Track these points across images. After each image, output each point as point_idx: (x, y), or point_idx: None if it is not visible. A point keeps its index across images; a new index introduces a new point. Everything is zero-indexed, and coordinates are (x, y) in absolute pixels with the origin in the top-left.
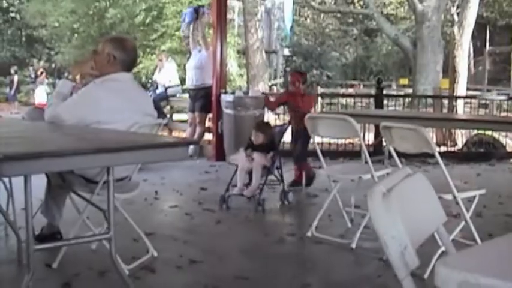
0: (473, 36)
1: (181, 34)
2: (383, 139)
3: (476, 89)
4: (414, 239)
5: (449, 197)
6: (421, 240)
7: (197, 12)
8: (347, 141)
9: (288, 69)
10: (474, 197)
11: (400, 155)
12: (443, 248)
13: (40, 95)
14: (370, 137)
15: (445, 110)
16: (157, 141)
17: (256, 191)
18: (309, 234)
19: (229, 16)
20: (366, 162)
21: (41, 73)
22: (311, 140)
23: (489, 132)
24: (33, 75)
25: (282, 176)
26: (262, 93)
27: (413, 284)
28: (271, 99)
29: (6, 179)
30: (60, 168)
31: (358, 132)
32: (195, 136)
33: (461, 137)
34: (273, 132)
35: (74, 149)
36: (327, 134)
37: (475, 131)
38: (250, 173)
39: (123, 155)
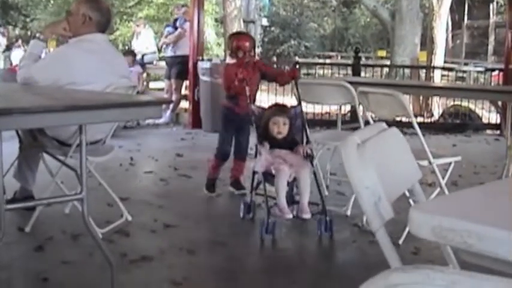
0: (451, 10)
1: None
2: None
3: (453, 62)
4: (389, 192)
5: (424, 163)
6: (396, 194)
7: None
8: (324, 110)
9: (266, 39)
10: (449, 165)
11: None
12: None
13: (17, 57)
14: (346, 107)
15: None
16: (130, 100)
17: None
18: None
19: None
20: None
21: (16, 40)
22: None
23: (465, 104)
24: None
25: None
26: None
27: (387, 235)
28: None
29: None
30: (31, 126)
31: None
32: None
33: (437, 108)
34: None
35: (46, 106)
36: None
37: (452, 102)
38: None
39: (96, 113)
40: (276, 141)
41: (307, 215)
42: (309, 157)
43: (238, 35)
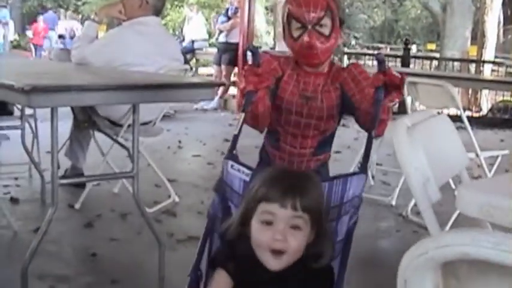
0: (503, 4)
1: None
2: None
3: (504, 58)
4: (437, 175)
5: (471, 155)
6: (444, 178)
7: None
8: None
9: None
10: (496, 158)
11: None
12: None
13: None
14: None
15: None
16: (183, 81)
17: None
18: None
19: None
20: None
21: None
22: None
23: None
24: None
25: None
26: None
27: (434, 216)
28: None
29: (32, 122)
30: (87, 103)
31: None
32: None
33: (486, 102)
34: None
35: (102, 84)
36: None
37: (501, 98)
38: None
39: (149, 93)
40: (264, 275)
41: None
42: None
43: None
